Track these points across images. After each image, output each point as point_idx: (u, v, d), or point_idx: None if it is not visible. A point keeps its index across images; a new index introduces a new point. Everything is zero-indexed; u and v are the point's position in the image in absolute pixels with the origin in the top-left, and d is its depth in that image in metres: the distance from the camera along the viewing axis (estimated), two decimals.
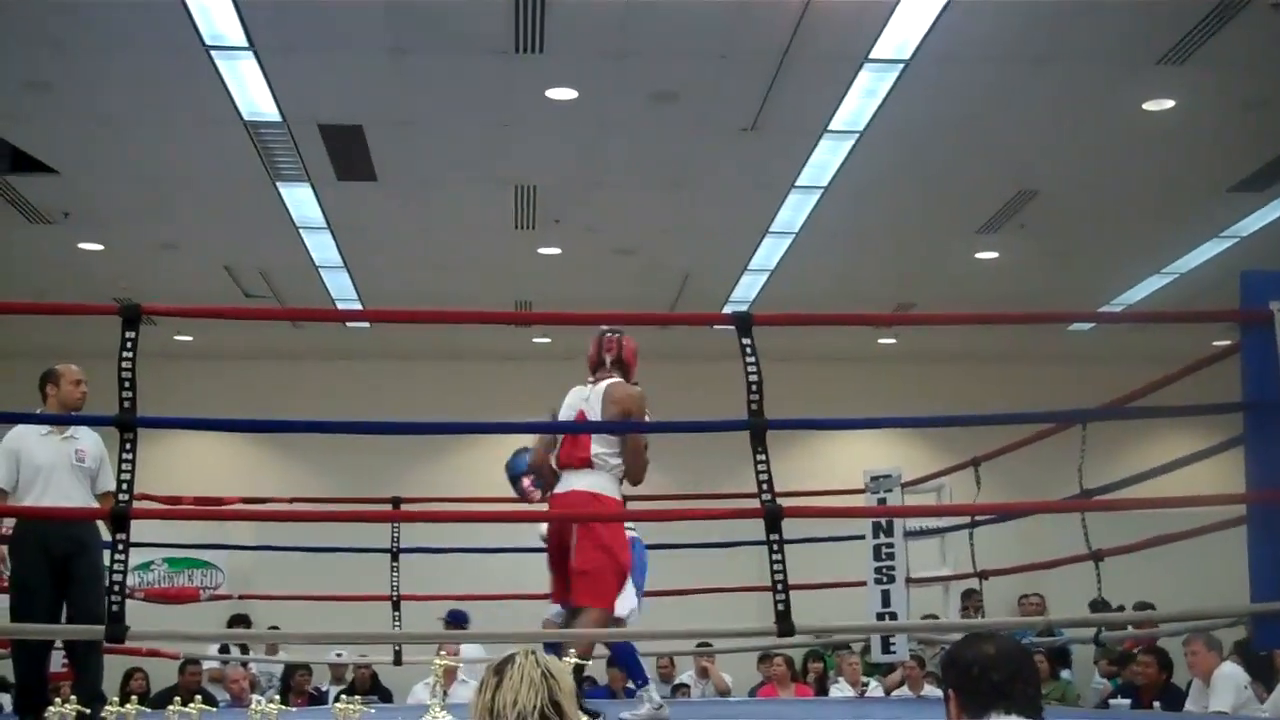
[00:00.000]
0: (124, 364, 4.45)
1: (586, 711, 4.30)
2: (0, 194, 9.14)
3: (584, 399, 5.84)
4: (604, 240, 10.47)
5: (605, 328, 6.04)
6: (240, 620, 11.18)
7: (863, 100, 7.86)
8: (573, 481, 5.71)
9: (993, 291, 11.41)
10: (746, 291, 11.79)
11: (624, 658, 6.65)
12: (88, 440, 6.12)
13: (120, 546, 4.50)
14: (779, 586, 4.44)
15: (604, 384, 5.82)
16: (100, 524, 6.03)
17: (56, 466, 5.96)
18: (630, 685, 7.11)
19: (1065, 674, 9.76)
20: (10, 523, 6.28)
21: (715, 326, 10.47)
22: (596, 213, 9.86)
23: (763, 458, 4.52)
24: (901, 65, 7.38)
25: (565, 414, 5.88)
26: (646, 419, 5.88)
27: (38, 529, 5.91)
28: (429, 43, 7.12)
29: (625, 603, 5.82)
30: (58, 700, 4.25)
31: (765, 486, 4.51)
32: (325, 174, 8.91)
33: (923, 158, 8.81)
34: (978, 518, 7.44)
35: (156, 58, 7.22)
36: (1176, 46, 7.15)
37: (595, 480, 5.67)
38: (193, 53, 7.09)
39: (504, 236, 10.34)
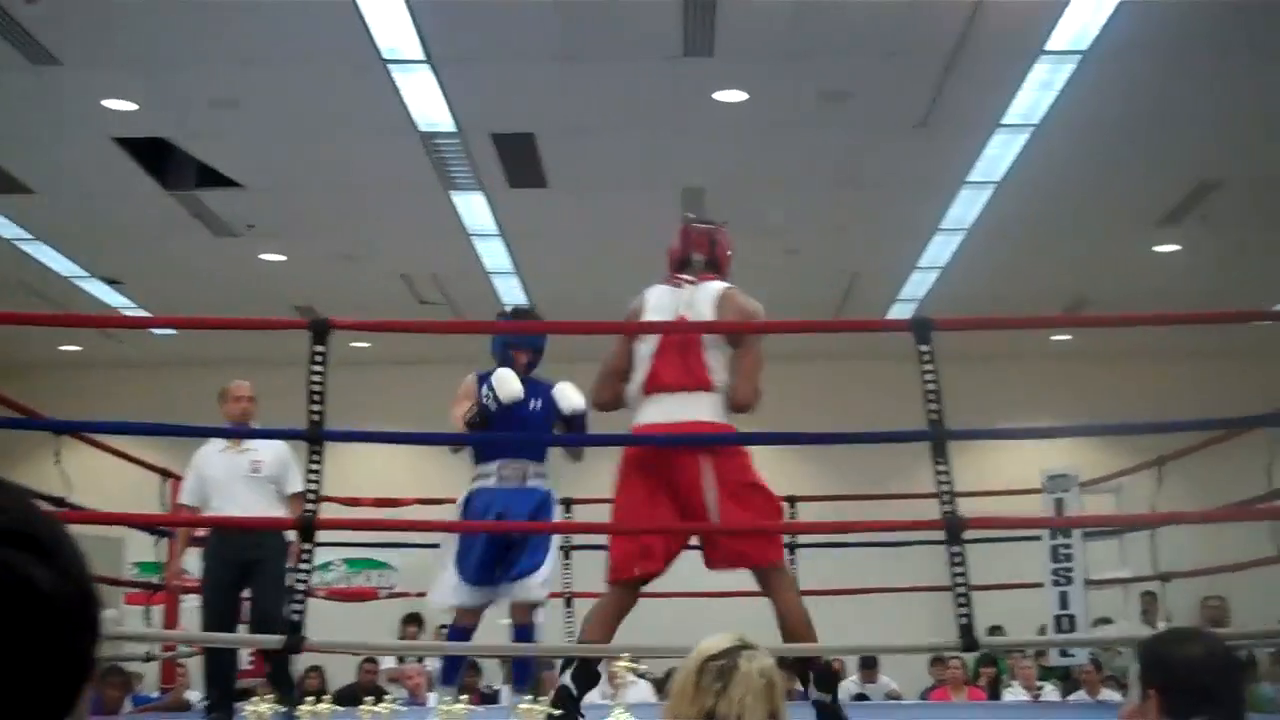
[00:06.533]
0: (314, 378, 4.42)
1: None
2: (188, 208, 9.46)
3: (684, 303, 4.68)
4: (772, 241, 10.41)
5: (690, 215, 5.04)
6: (414, 619, 11.35)
7: (1038, 93, 7.68)
8: (687, 409, 4.50)
9: (1173, 285, 11.02)
10: (916, 290, 11.61)
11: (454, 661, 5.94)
12: (265, 450, 6.24)
13: (307, 555, 4.49)
14: (961, 599, 4.32)
15: (712, 286, 4.67)
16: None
17: (232, 479, 6.15)
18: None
19: (1267, 687, 9.30)
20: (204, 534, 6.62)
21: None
22: (765, 214, 9.81)
23: (944, 468, 4.34)
24: (1079, 57, 7.19)
25: (650, 319, 4.71)
26: None
27: (217, 538, 6.30)
28: (600, 49, 7.18)
29: (441, 593, 5.39)
30: (254, 699, 4.38)
31: (946, 498, 4.34)
32: (497, 182, 9.03)
33: (1100, 150, 8.57)
34: None
35: (336, 72, 7.42)
36: None
37: (715, 407, 4.52)
38: (371, 66, 7.26)
39: (671, 239, 10.33)
